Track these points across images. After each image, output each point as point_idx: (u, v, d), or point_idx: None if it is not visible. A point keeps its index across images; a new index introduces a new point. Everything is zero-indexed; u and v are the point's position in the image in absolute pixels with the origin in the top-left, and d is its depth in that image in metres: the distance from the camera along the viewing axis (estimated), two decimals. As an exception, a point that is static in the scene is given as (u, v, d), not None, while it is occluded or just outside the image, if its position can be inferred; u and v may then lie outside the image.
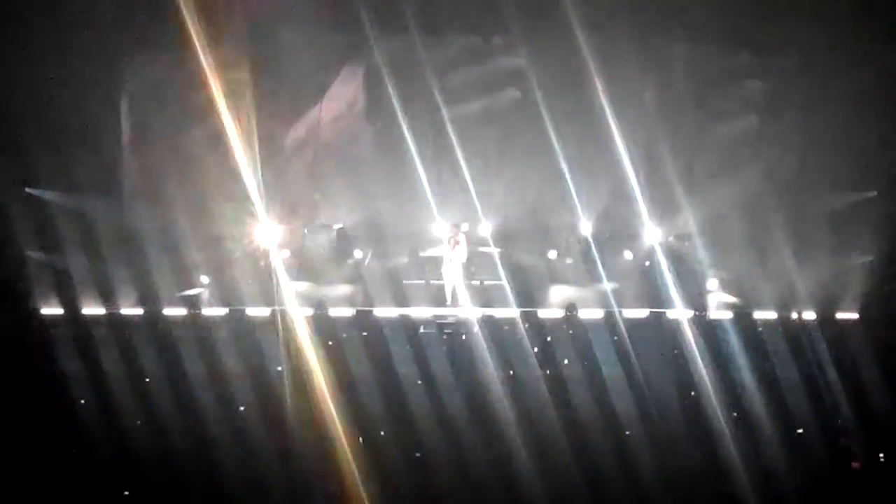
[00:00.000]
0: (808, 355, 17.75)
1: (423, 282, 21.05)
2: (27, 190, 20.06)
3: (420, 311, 19.85)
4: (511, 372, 17.15)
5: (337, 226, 23.19)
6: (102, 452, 15.21)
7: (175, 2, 19.03)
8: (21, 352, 17.14)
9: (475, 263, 21.09)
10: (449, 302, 20.54)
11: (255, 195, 20.75)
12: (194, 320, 19.09)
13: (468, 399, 16.43)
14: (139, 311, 19.42)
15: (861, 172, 20.31)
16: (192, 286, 21.01)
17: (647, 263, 21.58)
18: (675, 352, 17.85)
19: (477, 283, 20.92)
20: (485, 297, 20.51)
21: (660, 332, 18.68)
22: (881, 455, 15.49)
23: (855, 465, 15.35)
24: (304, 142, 23.17)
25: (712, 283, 21.28)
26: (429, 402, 16.38)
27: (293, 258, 21.94)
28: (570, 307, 19.30)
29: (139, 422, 16.15)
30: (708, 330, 18.35)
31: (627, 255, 22.14)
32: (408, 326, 18.83)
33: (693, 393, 16.81)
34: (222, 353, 17.59)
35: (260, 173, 21.43)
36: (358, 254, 22.18)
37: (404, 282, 21.03)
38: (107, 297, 19.67)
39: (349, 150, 23.36)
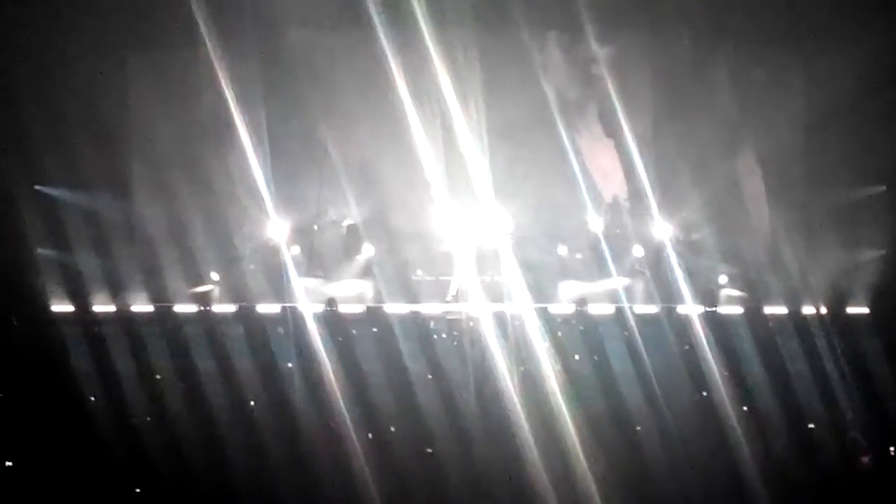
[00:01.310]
0: (818, 350, 17.72)
1: (433, 278, 21.10)
2: (37, 188, 20.09)
3: (431, 308, 19.89)
4: (521, 367, 17.16)
5: (347, 222, 23.22)
6: (113, 449, 15.22)
7: (183, -1, 19.11)
8: (32, 349, 17.17)
9: (486, 259, 21.08)
10: (451, 297, 20.58)
11: (264, 192, 20.80)
12: (204, 317, 19.13)
13: (478, 394, 16.44)
14: (150, 307, 19.46)
15: (871, 166, 20.27)
16: (202, 283, 21.05)
17: (657, 258, 21.61)
18: (686, 347, 17.84)
19: (487, 278, 20.94)
20: (495, 292, 20.54)
21: (670, 327, 18.67)
22: (892, 449, 15.46)
23: (865, 459, 15.32)
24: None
25: (722, 279, 21.28)
26: (439, 397, 16.39)
27: (303, 255, 21.98)
28: (581, 302, 19.30)
29: (150, 418, 16.16)
30: (718, 325, 18.34)
31: (638, 250, 22.14)
32: (418, 323, 18.86)
33: (703, 388, 16.79)
34: (233, 350, 17.61)
35: (270, 169, 21.49)
36: (368, 250, 22.20)
37: (414, 278, 21.11)
38: (117, 294, 19.72)
39: (360, 145, 23.46)
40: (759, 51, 21.20)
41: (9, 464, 14.84)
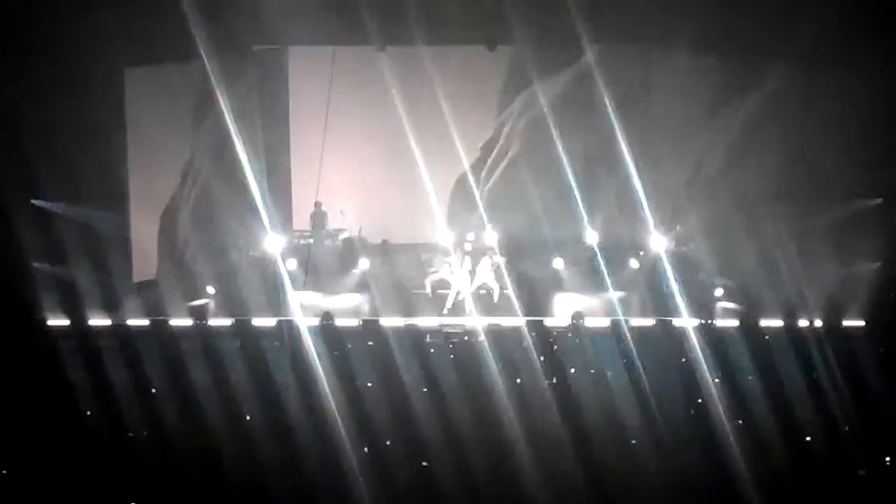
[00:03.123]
0: (814, 362, 17.70)
1: (429, 292, 21.12)
2: (33, 201, 20.09)
3: (427, 321, 19.89)
4: (518, 380, 17.14)
5: (343, 235, 23.27)
6: (109, 463, 15.18)
7: (179, 11, 19.10)
8: (27, 363, 17.15)
9: (482, 272, 21.10)
10: (447, 310, 20.57)
11: (260, 205, 20.82)
12: (200, 330, 19.11)
13: (474, 408, 16.40)
14: (145, 321, 19.44)
15: (867, 179, 20.29)
16: (198, 296, 21.05)
17: (653, 271, 21.66)
18: (682, 360, 17.83)
19: (483, 292, 20.97)
20: (491, 305, 20.55)
21: (666, 340, 18.66)
22: (887, 459, 15.44)
23: (862, 472, 15.30)
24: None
25: (718, 292, 21.30)
26: (435, 411, 16.35)
27: (299, 268, 22.01)
28: (577, 316, 19.31)
29: (145, 432, 16.13)
30: (714, 338, 18.33)
31: (633, 263, 22.19)
32: (414, 336, 18.85)
33: (699, 401, 16.77)
34: (229, 364, 17.58)
35: (266, 182, 21.53)
36: (364, 263, 22.22)
37: (413, 292, 21.14)
38: (113, 308, 19.70)
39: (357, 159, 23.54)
40: (758, 65, 21.23)
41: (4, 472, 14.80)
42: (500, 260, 21.18)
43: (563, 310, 20.66)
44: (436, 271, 21.18)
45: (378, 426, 15.95)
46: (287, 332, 18.40)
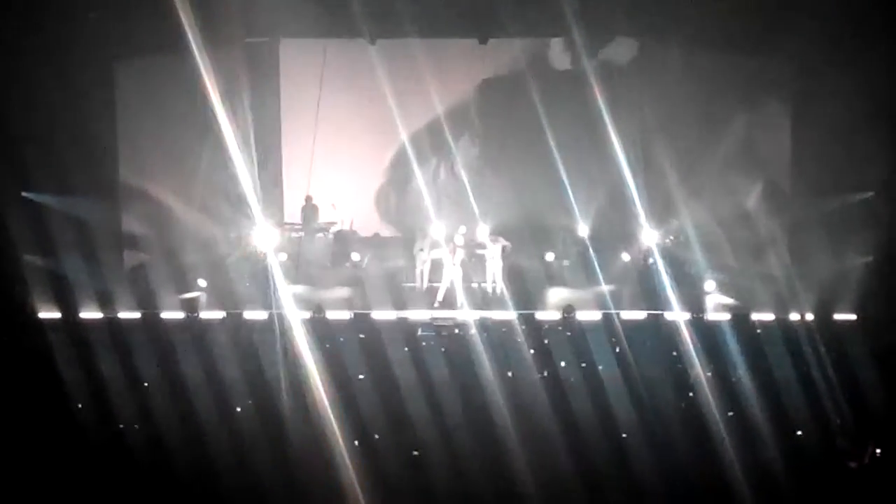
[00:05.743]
0: (805, 357, 17.71)
1: (419, 285, 21.12)
2: (24, 194, 20.02)
3: (417, 314, 19.89)
4: (509, 374, 17.14)
5: (334, 229, 23.26)
6: (100, 456, 15.15)
7: (169, 4, 19.02)
8: (18, 356, 17.10)
9: (473, 266, 21.11)
10: (438, 303, 20.56)
11: (251, 198, 20.78)
12: (192, 324, 19.08)
13: (465, 401, 16.39)
14: (136, 314, 19.41)
15: (859, 173, 20.27)
16: (189, 289, 21.01)
17: (645, 265, 21.65)
18: (673, 354, 17.83)
19: (475, 285, 20.96)
20: (482, 299, 20.54)
21: (657, 334, 18.66)
22: (878, 451, 15.43)
23: (853, 465, 15.30)
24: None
25: (710, 285, 21.29)
26: (426, 404, 16.33)
27: (290, 261, 21.99)
28: (568, 309, 19.29)
29: (136, 426, 16.09)
30: (705, 332, 18.33)
31: (625, 256, 22.19)
32: (405, 329, 18.84)
33: (690, 395, 16.77)
34: (220, 357, 17.55)
35: (256, 175, 21.48)
36: (355, 257, 22.21)
37: (402, 284, 21.13)
38: (104, 301, 19.65)
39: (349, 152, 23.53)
40: (750, 59, 21.24)
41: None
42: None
43: (554, 303, 20.66)
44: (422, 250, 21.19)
45: (369, 419, 15.93)
46: (278, 325, 18.36)
